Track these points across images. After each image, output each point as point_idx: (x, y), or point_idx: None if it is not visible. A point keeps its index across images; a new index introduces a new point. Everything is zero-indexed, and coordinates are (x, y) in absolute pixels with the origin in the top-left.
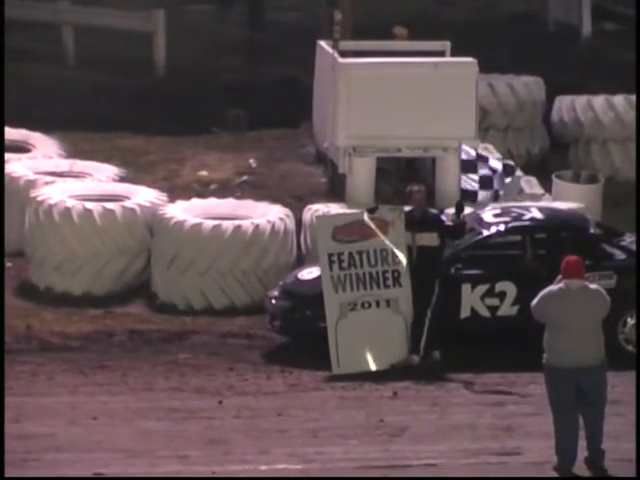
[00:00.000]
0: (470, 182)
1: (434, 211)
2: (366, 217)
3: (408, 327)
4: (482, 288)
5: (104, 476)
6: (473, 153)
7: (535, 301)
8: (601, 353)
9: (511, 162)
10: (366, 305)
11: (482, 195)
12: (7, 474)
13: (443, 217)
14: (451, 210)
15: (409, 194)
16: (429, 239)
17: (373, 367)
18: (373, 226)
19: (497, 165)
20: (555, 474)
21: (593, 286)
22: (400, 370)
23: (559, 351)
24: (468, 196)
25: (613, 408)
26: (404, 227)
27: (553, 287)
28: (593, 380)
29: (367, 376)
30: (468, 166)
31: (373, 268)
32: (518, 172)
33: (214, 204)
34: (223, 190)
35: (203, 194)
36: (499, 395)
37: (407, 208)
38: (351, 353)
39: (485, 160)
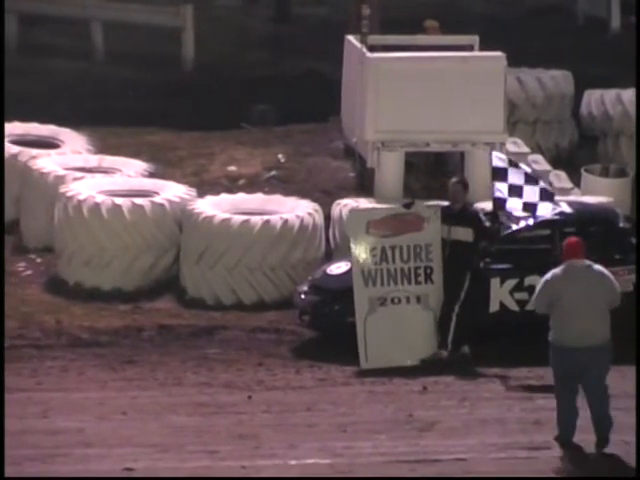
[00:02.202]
0: (500, 190)
1: (475, 207)
2: (402, 212)
3: (437, 323)
4: (511, 282)
5: (133, 471)
6: (503, 160)
7: (539, 285)
8: (606, 334)
9: (550, 189)
10: (396, 300)
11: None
12: (36, 469)
13: (482, 216)
14: (482, 204)
15: (451, 185)
16: (464, 234)
17: (401, 362)
18: (408, 221)
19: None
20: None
21: (597, 266)
22: (429, 365)
23: (565, 331)
24: (499, 204)
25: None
26: (440, 223)
27: (556, 269)
28: (597, 360)
29: (396, 371)
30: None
31: (405, 264)
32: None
33: (243, 199)
34: (252, 185)
35: (232, 189)
36: (528, 389)
37: (444, 204)
38: (379, 348)
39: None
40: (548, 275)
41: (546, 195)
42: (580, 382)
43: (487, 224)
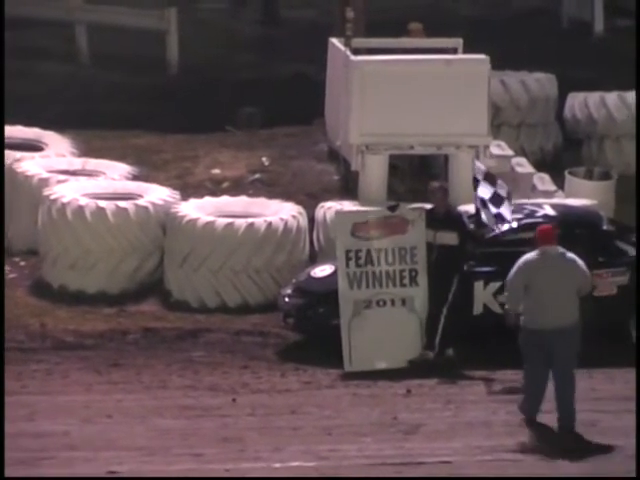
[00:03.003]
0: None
1: (458, 210)
2: (387, 215)
3: (423, 326)
4: (494, 285)
5: (118, 474)
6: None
7: (513, 270)
8: (576, 315)
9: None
10: (381, 303)
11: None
12: (22, 472)
13: (465, 219)
14: (466, 207)
15: (430, 192)
16: (449, 238)
17: (385, 365)
18: (393, 224)
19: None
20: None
21: (569, 254)
22: (416, 366)
23: (538, 314)
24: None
25: (627, 404)
26: (425, 226)
27: (530, 255)
28: (567, 341)
29: (381, 374)
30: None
31: (390, 266)
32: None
33: (227, 202)
34: (236, 188)
35: (216, 192)
36: (513, 392)
37: (428, 206)
38: (364, 351)
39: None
40: (521, 261)
41: (499, 221)
42: (550, 365)
43: (471, 227)
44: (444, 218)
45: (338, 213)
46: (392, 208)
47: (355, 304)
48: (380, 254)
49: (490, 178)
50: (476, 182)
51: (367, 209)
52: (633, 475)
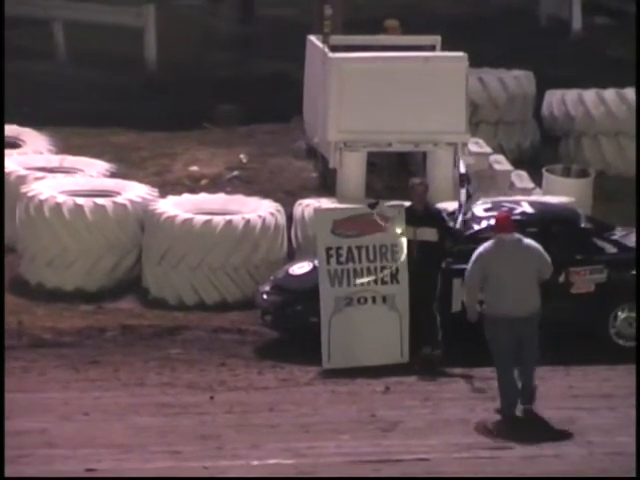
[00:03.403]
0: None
1: (437, 207)
2: (366, 212)
3: (403, 324)
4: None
5: (96, 472)
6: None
7: (473, 260)
8: (537, 303)
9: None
10: (362, 300)
11: None
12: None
13: (445, 215)
14: (445, 204)
15: (411, 188)
16: (430, 234)
17: (364, 363)
18: (373, 221)
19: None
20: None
21: (527, 240)
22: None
23: (500, 301)
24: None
25: (606, 402)
26: (405, 223)
27: (487, 244)
28: (530, 328)
29: (359, 371)
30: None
31: (371, 263)
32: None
33: (205, 199)
34: (214, 185)
35: (194, 189)
36: (491, 389)
37: (407, 204)
38: (343, 348)
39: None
40: (480, 249)
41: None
42: (516, 351)
43: (450, 224)
44: (423, 215)
45: (318, 211)
46: (372, 205)
47: (336, 301)
48: (361, 251)
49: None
50: (462, 177)
51: (347, 207)
52: (633, 475)
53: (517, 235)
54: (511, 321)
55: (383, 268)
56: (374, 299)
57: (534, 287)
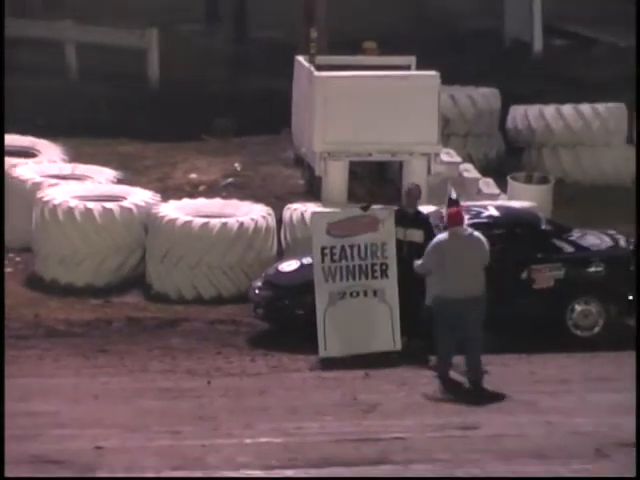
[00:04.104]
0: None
1: (425, 212)
2: (359, 214)
3: (393, 315)
4: None
5: (104, 449)
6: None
7: (429, 250)
8: (482, 286)
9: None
10: (354, 294)
11: None
12: (16, 447)
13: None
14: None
15: (407, 191)
16: (418, 236)
17: (358, 351)
18: (365, 223)
19: None
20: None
21: (475, 233)
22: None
23: (450, 285)
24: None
25: (564, 386)
26: (394, 224)
27: (442, 236)
28: (477, 308)
29: (343, 359)
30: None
31: (363, 261)
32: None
33: (203, 204)
34: (211, 191)
35: (193, 195)
36: (461, 375)
37: (395, 208)
38: (338, 338)
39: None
40: (436, 239)
41: None
42: (460, 330)
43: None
44: (413, 217)
45: (314, 214)
46: (364, 208)
47: (330, 295)
48: (353, 250)
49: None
50: (450, 201)
51: (341, 210)
52: (633, 475)
53: (468, 229)
54: (459, 301)
55: (374, 265)
56: (365, 293)
57: (480, 273)
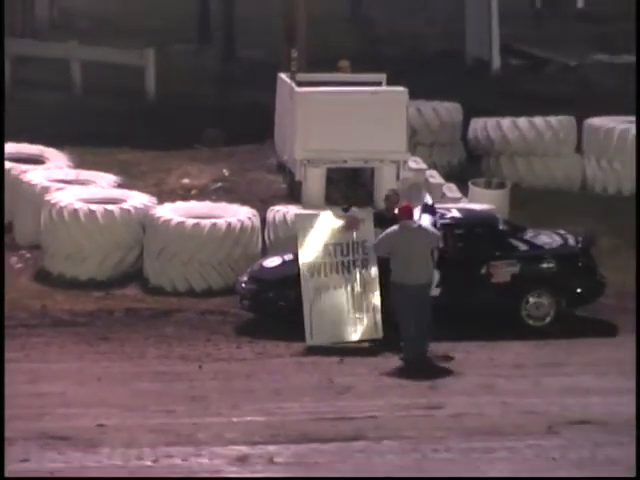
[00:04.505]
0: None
1: None
2: (340, 215)
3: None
4: None
5: (106, 427)
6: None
7: (381, 237)
8: (431, 273)
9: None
10: (337, 288)
11: None
12: (25, 426)
13: None
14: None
15: (387, 197)
16: None
17: (340, 339)
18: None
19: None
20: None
21: (423, 225)
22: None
23: (405, 273)
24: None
25: (518, 370)
26: (373, 224)
27: (394, 227)
28: (427, 293)
29: (320, 346)
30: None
31: (345, 257)
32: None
33: (195, 206)
34: (202, 195)
35: (186, 198)
36: (428, 360)
37: (373, 210)
38: (322, 328)
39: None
40: (389, 231)
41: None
42: (415, 311)
43: None
44: (392, 220)
45: (298, 215)
46: (345, 210)
47: (315, 289)
48: (336, 248)
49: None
50: (425, 206)
51: (324, 211)
52: (633, 475)
53: (416, 222)
54: (414, 287)
55: (355, 261)
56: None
57: (429, 261)
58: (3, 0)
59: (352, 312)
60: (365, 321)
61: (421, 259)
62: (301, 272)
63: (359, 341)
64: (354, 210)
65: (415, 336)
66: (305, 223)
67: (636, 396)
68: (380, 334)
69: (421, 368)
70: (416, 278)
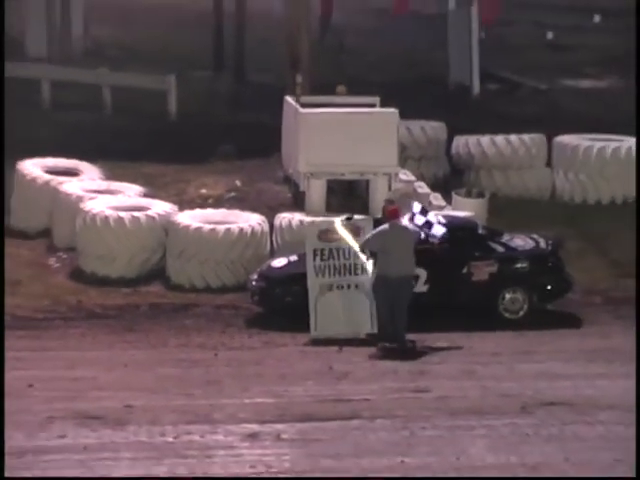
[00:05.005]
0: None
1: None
2: (343, 223)
3: (371, 304)
4: None
5: (133, 407)
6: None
7: (373, 234)
8: (413, 268)
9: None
10: (340, 287)
11: None
12: (63, 405)
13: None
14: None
15: (384, 207)
16: None
17: (343, 332)
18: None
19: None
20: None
21: (408, 226)
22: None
23: (390, 266)
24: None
25: (496, 358)
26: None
27: (383, 227)
28: (407, 285)
29: (319, 337)
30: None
31: (347, 260)
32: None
33: (211, 213)
34: (217, 203)
35: (203, 206)
36: (414, 349)
37: (372, 218)
38: (325, 322)
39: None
40: (380, 228)
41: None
42: (393, 301)
43: None
44: None
45: (307, 223)
46: (348, 218)
47: (320, 288)
48: (339, 252)
49: (424, 211)
50: (412, 215)
51: (329, 219)
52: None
53: (403, 222)
54: (395, 279)
55: (355, 264)
56: (349, 286)
57: (411, 257)
58: (3, 1)
59: (352, 309)
60: (363, 317)
61: (405, 253)
62: (308, 273)
63: (357, 334)
64: (355, 218)
65: (388, 321)
66: (312, 230)
67: (636, 395)
68: (375, 329)
69: (400, 352)
70: (399, 270)
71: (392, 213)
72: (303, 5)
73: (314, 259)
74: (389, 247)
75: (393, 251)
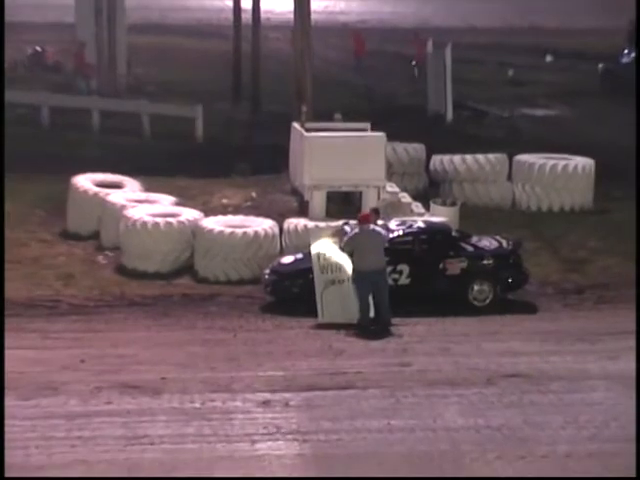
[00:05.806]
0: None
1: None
2: (343, 228)
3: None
4: (389, 268)
5: (167, 379)
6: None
7: (349, 236)
8: (383, 262)
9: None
10: (340, 281)
11: None
12: (107, 378)
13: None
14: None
15: (370, 214)
16: None
17: (345, 319)
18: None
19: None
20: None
21: (377, 228)
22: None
23: (364, 262)
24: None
25: (465, 338)
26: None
27: (355, 230)
28: (382, 278)
29: (324, 322)
30: None
31: (342, 259)
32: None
33: (231, 219)
34: (236, 210)
35: (224, 213)
36: (399, 332)
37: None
38: (330, 310)
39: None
40: (352, 233)
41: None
42: (374, 292)
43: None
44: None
45: (311, 229)
46: (345, 224)
47: (324, 282)
48: (339, 251)
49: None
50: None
51: (331, 224)
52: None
53: (372, 225)
54: (371, 273)
55: (353, 262)
56: (348, 280)
57: (382, 253)
58: (3, 2)
59: (348, 299)
60: (355, 306)
61: (376, 251)
62: (314, 270)
63: (352, 320)
64: (350, 223)
65: (368, 308)
66: (316, 234)
67: (637, 395)
68: (371, 316)
69: (381, 333)
70: (371, 265)
71: (363, 218)
72: (307, 47)
73: (318, 259)
74: (362, 246)
75: (365, 249)
